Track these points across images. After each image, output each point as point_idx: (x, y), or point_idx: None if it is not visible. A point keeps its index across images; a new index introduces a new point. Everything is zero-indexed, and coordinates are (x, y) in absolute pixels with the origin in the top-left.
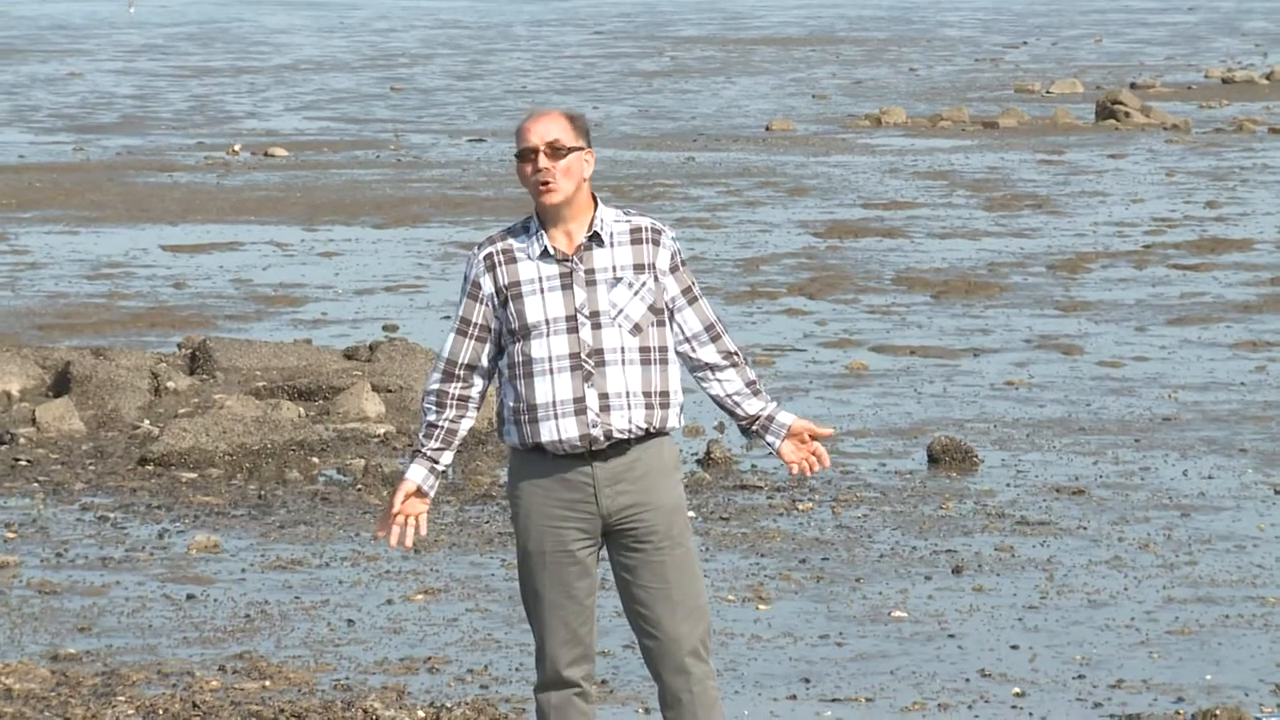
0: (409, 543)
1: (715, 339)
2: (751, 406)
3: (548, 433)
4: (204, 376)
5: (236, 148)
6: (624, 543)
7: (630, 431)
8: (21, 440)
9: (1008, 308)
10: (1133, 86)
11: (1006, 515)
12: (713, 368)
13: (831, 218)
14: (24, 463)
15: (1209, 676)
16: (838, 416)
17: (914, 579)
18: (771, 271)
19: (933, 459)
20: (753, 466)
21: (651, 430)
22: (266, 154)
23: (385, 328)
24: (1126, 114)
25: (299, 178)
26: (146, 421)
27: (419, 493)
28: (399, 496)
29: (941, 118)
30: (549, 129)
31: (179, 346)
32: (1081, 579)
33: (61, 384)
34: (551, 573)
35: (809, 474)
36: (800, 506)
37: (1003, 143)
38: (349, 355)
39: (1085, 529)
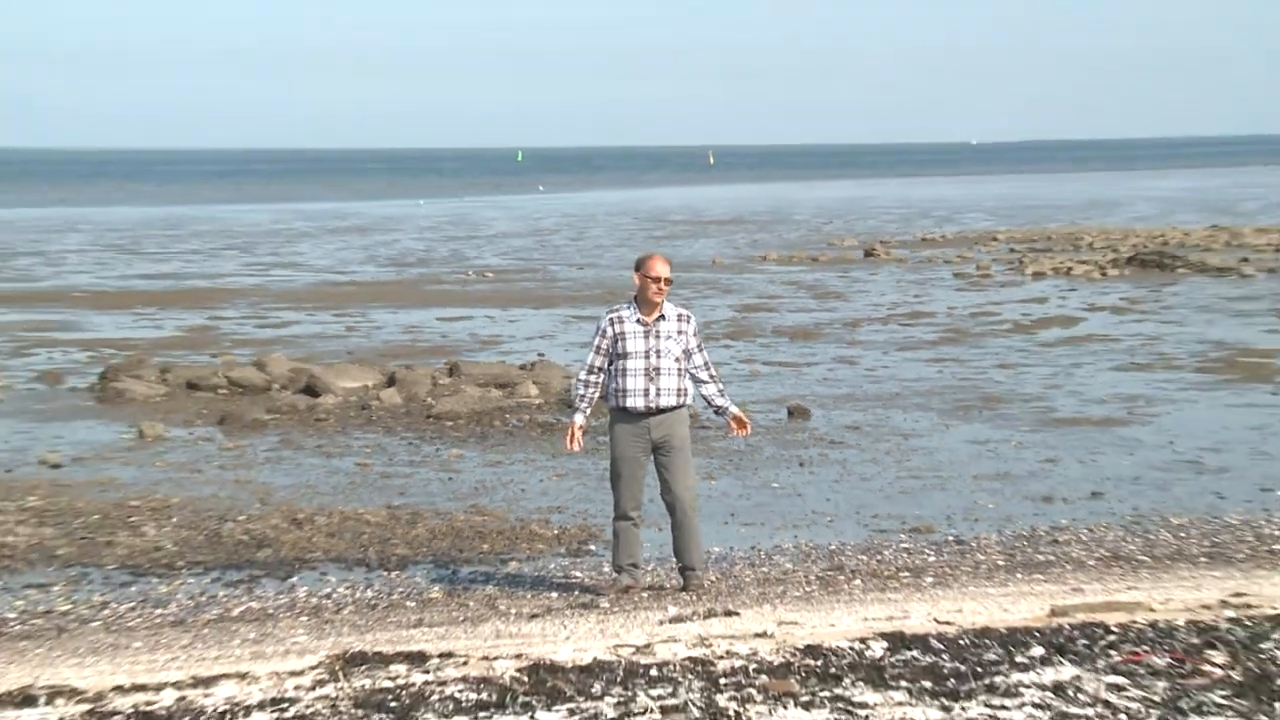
0: (579, 449)
1: (707, 368)
2: (720, 402)
3: (631, 401)
4: (456, 377)
5: (470, 273)
6: (660, 451)
7: (669, 406)
8: (373, 406)
9: (825, 343)
10: (881, 243)
11: (824, 439)
12: (703, 381)
13: (743, 303)
14: (374, 418)
15: (918, 512)
16: (747, 393)
17: (781, 469)
18: (716, 328)
19: (790, 414)
20: (708, 419)
21: (678, 405)
22: (483, 275)
23: (538, 354)
24: (878, 254)
25: (499, 287)
26: (429, 398)
27: (580, 426)
28: (574, 428)
29: (793, 257)
30: (666, 269)
31: (445, 363)
32: (859, 469)
33: (390, 381)
34: (626, 466)
35: (743, 435)
36: (729, 436)
37: (821, 268)
38: (522, 367)
39: (860, 446)
